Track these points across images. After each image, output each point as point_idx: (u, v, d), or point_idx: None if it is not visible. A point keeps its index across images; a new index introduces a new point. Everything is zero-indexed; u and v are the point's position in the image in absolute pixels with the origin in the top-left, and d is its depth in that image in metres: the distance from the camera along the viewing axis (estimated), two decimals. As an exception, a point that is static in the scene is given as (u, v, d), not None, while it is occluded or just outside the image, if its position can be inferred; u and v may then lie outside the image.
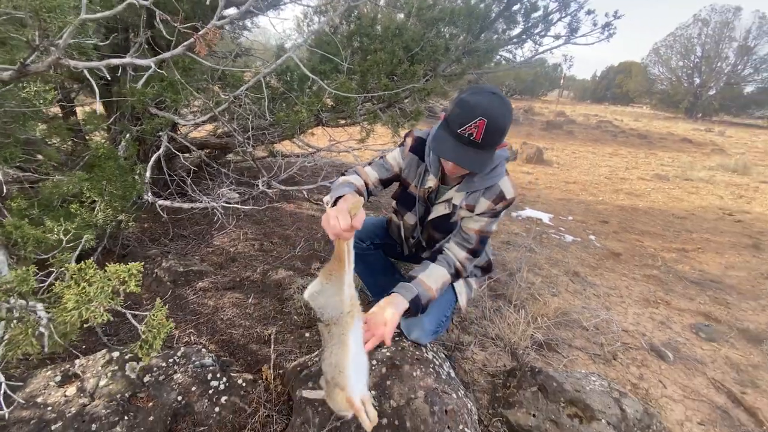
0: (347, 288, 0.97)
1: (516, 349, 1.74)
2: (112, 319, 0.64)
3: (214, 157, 3.49)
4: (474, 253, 1.41)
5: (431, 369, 1.31)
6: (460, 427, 1.15)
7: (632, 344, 1.97)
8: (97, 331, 1.72)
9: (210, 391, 1.34)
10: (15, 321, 0.60)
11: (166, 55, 1.23)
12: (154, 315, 0.75)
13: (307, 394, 1.24)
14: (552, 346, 1.82)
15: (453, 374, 1.44)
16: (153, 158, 2.38)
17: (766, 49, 19.64)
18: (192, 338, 1.74)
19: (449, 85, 2.52)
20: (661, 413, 1.56)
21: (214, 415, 1.29)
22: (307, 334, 1.80)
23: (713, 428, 1.56)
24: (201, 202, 2.04)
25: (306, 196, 3.72)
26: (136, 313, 0.83)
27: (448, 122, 1.19)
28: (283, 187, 1.99)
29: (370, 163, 1.53)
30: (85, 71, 0.94)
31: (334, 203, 1.15)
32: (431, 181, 1.42)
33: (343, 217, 0.96)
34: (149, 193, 2.33)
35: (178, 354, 1.44)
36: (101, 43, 1.25)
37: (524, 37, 2.98)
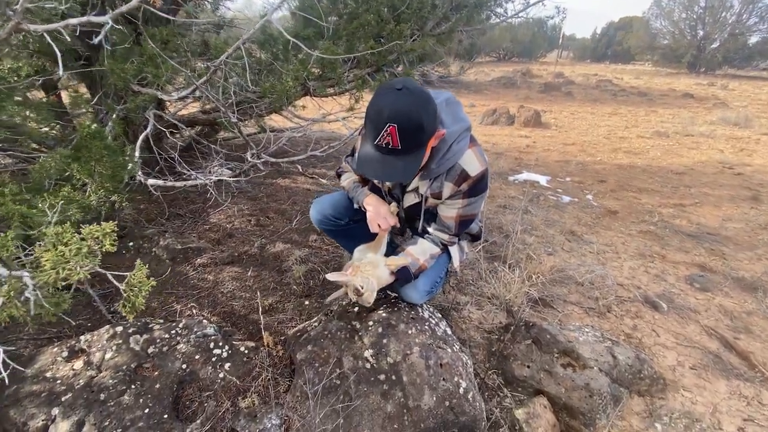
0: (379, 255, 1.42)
1: (511, 307, 1.78)
2: (90, 277, 0.65)
3: (205, 135, 3.45)
4: (456, 236, 1.42)
5: (426, 327, 1.34)
6: (455, 379, 1.19)
7: (626, 297, 2.00)
8: (101, 309, 1.75)
9: (213, 359, 1.38)
10: (-1, 287, 0.61)
11: (123, 8, 1.18)
12: (134, 275, 0.77)
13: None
14: (547, 302, 1.86)
15: (449, 332, 1.47)
16: (141, 137, 2.35)
17: (774, -6, 18.71)
18: (194, 312, 1.77)
19: (439, 46, 2.44)
20: (653, 360, 1.61)
21: (219, 380, 1.34)
22: (306, 302, 1.84)
23: (705, 372, 1.61)
24: (193, 179, 2.04)
25: (301, 170, 3.69)
26: (118, 273, 0.84)
27: (366, 135, 1.11)
28: (273, 159, 1.97)
29: (351, 154, 1.58)
30: (46, 35, 0.91)
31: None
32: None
33: (392, 218, 1.39)
34: (140, 173, 2.32)
35: (180, 326, 1.48)
36: (57, 5, 1.19)
37: (514, -11, 2.86)
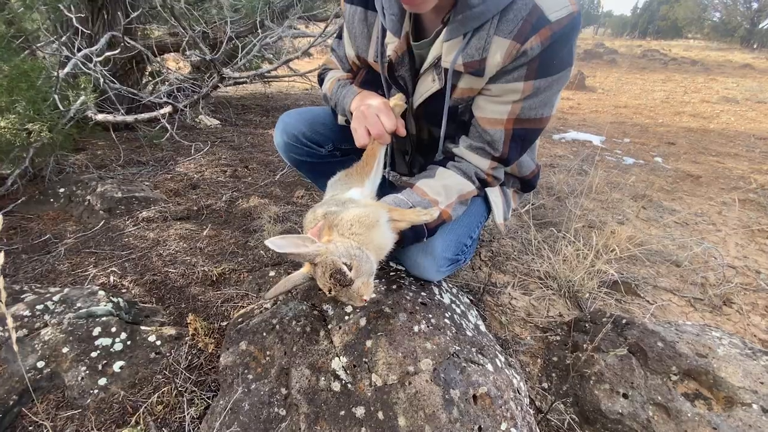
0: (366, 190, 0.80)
1: (578, 292, 1.16)
2: None
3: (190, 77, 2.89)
4: (505, 162, 0.81)
5: (446, 321, 0.75)
6: (503, 426, 0.60)
7: (746, 284, 1.35)
8: (-11, 271, 1.25)
9: (94, 354, 0.85)
10: None
11: None
12: None
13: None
14: (631, 288, 1.23)
15: (483, 328, 0.89)
16: (78, 55, 1.82)
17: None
18: (112, 279, 1.24)
19: None
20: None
21: (95, 390, 0.80)
22: (272, 273, 1.28)
23: None
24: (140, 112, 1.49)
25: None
26: None
27: None
28: (235, 75, 1.40)
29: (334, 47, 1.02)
30: None
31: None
32: (393, 44, 0.77)
33: (388, 117, 0.76)
34: (91, 107, 1.79)
35: (56, 298, 0.94)
36: None
37: None
